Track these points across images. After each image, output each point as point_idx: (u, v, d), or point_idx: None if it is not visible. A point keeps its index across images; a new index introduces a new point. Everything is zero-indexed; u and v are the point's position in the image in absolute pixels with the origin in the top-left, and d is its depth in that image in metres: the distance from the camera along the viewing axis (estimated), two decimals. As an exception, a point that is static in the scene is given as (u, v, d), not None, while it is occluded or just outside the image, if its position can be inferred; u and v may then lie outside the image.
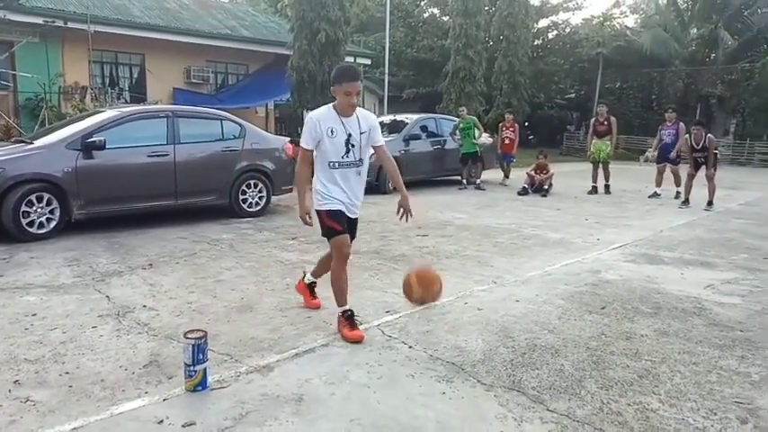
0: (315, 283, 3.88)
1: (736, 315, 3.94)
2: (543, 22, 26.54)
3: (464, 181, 11.43)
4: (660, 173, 10.34)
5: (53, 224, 5.99)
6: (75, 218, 6.14)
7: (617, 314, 3.89)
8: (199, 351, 2.65)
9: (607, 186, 10.73)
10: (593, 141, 10.67)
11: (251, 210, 7.56)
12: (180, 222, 6.96)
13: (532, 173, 10.96)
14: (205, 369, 2.69)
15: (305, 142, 3.30)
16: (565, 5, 26.06)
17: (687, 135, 9.27)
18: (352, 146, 3.31)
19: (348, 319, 3.38)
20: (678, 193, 9.86)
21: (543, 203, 9.50)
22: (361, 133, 3.33)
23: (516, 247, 5.99)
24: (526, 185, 10.78)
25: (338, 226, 3.32)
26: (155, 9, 15.39)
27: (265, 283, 4.48)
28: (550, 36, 27.41)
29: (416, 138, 11.08)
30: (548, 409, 2.57)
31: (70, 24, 12.76)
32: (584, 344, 3.35)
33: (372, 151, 3.49)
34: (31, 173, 5.85)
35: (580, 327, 3.64)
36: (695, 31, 23.55)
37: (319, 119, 3.28)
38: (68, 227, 6.15)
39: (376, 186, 9.69)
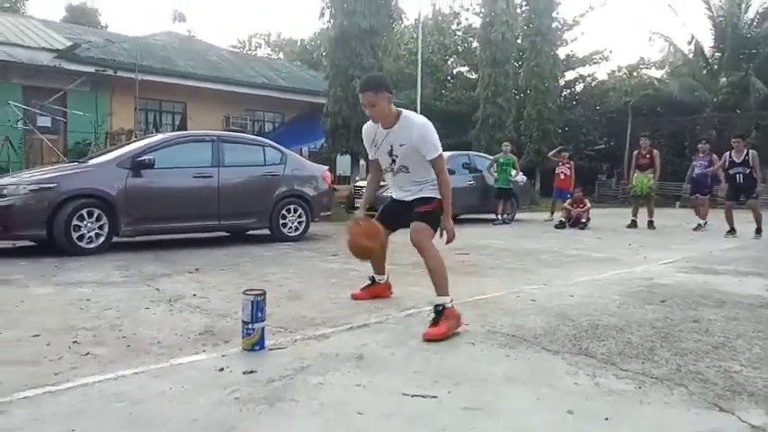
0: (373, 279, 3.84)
1: (806, 308, 3.73)
2: (570, 75, 26.97)
3: (499, 216, 11.36)
4: (696, 205, 10.12)
5: (102, 240, 6.10)
6: (122, 233, 6.27)
7: (678, 306, 3.72)
8: (257, 309, 2.62)
9: (650, 222, 10.24)
10: (635, 175, 10.46)
11: (290, 234, 7.60)
12: (222, 245, 7.04)
13: (569, 206, 10.85)
14: (263, 328, 2.64)
15: (368, 152, 3.46)
16: (591, 58, 26.50)
17: (727, 153, 8.99)
18: (396, 157, 3.21)
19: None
20: (699, 225, 9.66)
21: (583, 234, 9.34)
22: (400, 145, 3.15)
23: (561, 263, 5.85)
24: (563, 219, 10.65)
25: (380, 212, 3.51)
26: (197, 60, 16.20)
27: (311, 282, 4.45)
28: (577, 88, 27.77)
29: (450, 173, 11.12)
30: (621, 369, 2.44)
31: (119, 73, 13.48)
32: (650, 324, 3.20)
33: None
34: (82, 188, 6.04)
35: (641, 313, 3.49)
36: (725, 79, 23.56)
37: (366, 129, 3.38)
38: (115, 246, 6.27)
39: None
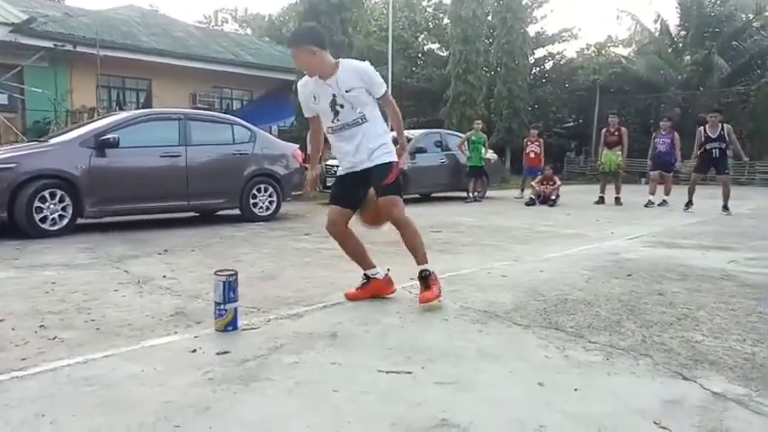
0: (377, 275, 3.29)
1: (766, 280, 3.88)
2: (540, 53, 27.09)
3: (470, 194, 11.44)
4: (653, 180, 10.26)
5: (65, 221, 5.94)
6: (87, 215, 6.11)
7: (644, 279, 3.83)
8: (230, 289, 2.59)
9: (617, 198, 10.50)
10: (604, 152, 10.63)
11: (261, 214, 7.52)
12: (191, 225, 6.94)
13: (536, 185, 10.99)
14: (236, 309, 2.62)
15: (304, 111, 3.21)
16: (560, 36, 26.64)
17: (701, 128, 9.14)
18: (341, 107, 2.97)
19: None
20: (665, 201, 9.87)
21: (552, 211, 9.49)
22: (347, 91, 2.93)
23: (531, 239, 5.94)
24: (533, 196, 10.79)
25: (331, 197, 3.22)
26: (161, 36, 15.73)
27: (284, 262, 4.42)
28: (547, 66, 27.94)
29: (422, 151, 11.14)
30: (589, 341, 2.50)
31: (79, 48, 13.00)
32: (616, 297, 3.29)
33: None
34: (44, 168, 5.85)
35: (609, 287, 3.58)
36: (689, 57, 24.00)
37: (301, 85, 3.11)
38: (80, 228, 6.12)
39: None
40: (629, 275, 3.94)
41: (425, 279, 3.05)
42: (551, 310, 3.00)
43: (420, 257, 3.10)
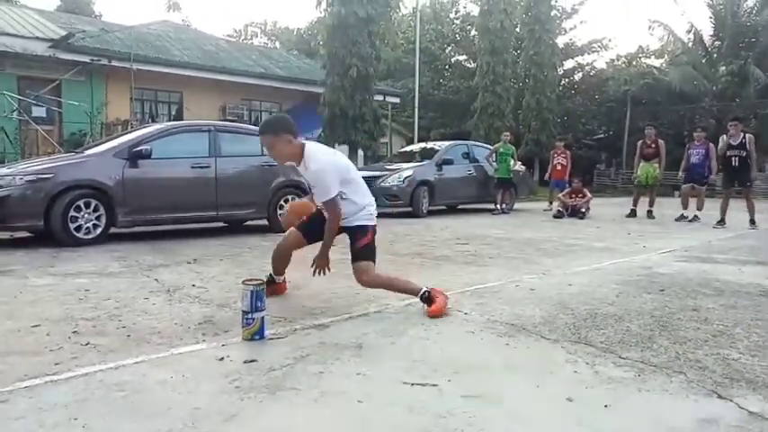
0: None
1: (804, 297, 3.74)
2: (569, 64, 26.88)
3: (498, 206, 11.36)
4: (685, 194, 10.00)
5: (99, 230, 6.08)
6: (119, 224, 6.25)
7: (677, 295, 3.73)
8: (257, 298, 2.61)
9: (650, 212, 10.26)
10: (641, 164, 10.43)
11: (288, 224, 7.57)
12: (219, 235, 7.04)
13: (564, 198, 10.85)
14: (263, 318, 2.64)
15: None
16: (590, 47, 26.40)
17: (722, 137, 8.93)
18: (313, 188, 3.23)
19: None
20: (696, 216, 9.58)
21: (582, 223, 9.35)
22: (311, 186, 3.25)
23: (560, 252, 5.86)
24: (561, 209, 10.66)
25: (300, 223, 3.42)
26: (193, 50, 16.08)
27: (310, 272, 4.41)
28: (576, 78, 27.69)
29: (449, 163, 11.11)
30: (620, 357, 2.45)
31: (114, 63, 13.37)
32: (648, 313, 3.21)
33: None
34: (79, 179, 6.01)
35: (640, 302, 3.50)
36: (724, 68, 23.51)
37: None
38: (112, 237, 6.26)
39: (410, 210, 9.93)
40: (661, 290, 3.85)
41: (427, 299, 3.15)
42: (581, 325, 2.94)
43: (412, 293, 3.23)
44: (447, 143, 12.17)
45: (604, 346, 2.60)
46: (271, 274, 3.55)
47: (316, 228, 3.27)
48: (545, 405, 1.95)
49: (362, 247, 3.17)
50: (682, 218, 9.67)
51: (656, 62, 28.80)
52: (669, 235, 7.55)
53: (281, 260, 3.49)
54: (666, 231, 8.08)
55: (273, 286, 3.52)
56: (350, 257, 3.23)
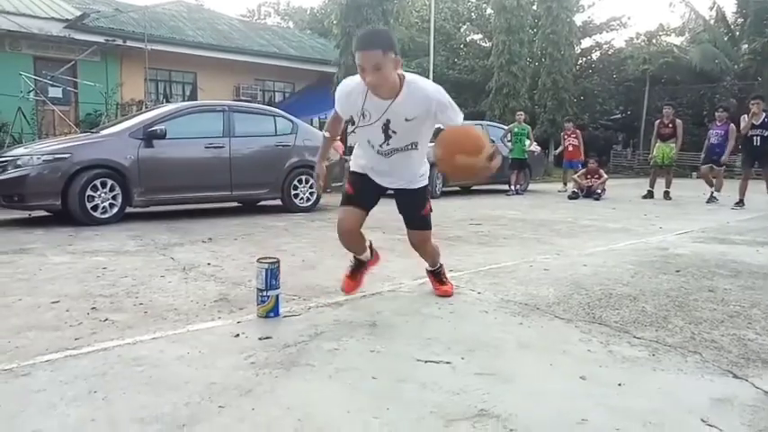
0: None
1: (824, 278, 3.69)
2: (587, 42, 26.39)
3: (512, 187, 11.29)
4: (703, 175, 9.83)
5: (115, 210, 6.16)
6: (135, 204, 6.32)
7: (693, 275, 3.69)
8: (272, 276, 2.63)
9: (667, 193, 10.11)
10: (657, 144, 10.25)
11: (302, 205, 7.61)
12: (234, 215, 7.10)
13: (579, 178, 10.74)
14: (278, 296, 2.67)
15: (336, 105, 2.69)
16: (609, 25, 25.87)
17: (744, 116, 8.74)
18: (394, 133, 2.56)
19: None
20: (713, 197, 9.41)
21: (597, 204, 9.26)
22: (407, 120, 2.51)
23: (575, 232, 5.82)
24: (576, 190, 10.56)
25: (350, 189, 2.82)
26: (207, 30, 16.05)
27: (324, 252, 4.46)
28: (594, 57, 27.21)
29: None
30: (635, 337, 2.43)
31: (129, 43, 13.40)
32: (664, 293, 3.19)
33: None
34: (96, 159, 6.08)
35: (656, 282, 3.47)
36: (747, 46, 22.90)
37: (345, 91, 2.59)
38: (128, 216, 6.33)
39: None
40: (677, 271, 3.81)
41: (438, 275, 3.10)
42: (595, 305, 2.93)
43: (434, 262, 3.10)
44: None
45: (619, 325, 2.58)
46: (356, 259, 3.03)
47: (371, 195, 2.82)
48: (559, 383, 1.95)
49: (428, 213, 2.85)
50: (712, 199, 9.47)
51: (677, 40, 28.14)
52: (686, 216, 7.46)
53: (355, 242, 2.92)
54: (684, 212, 7.98)
55: (364, 266, 3.05)
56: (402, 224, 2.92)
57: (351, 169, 2.88)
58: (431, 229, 2.91)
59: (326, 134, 2.89)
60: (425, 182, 2.83)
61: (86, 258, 4.08)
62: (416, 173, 2.77)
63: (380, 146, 2.63)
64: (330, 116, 2.88)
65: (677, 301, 3.01)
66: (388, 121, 2.52)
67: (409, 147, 2.63)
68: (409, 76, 2.51)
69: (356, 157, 2.85)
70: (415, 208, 2.83)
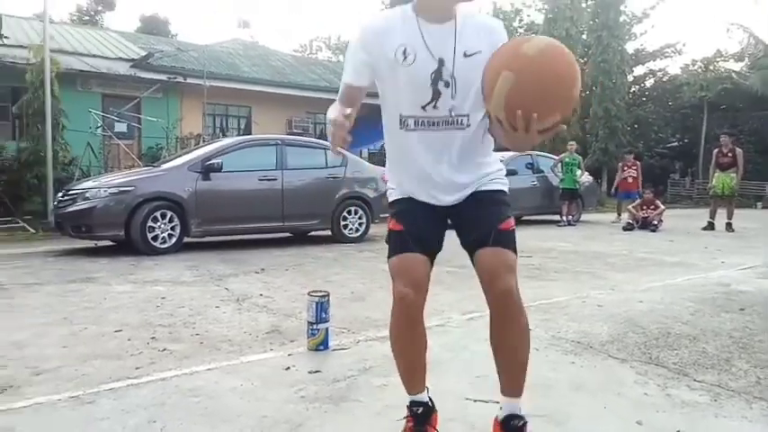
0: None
1: None
2: (639, 70, 25.90)
3: (564, 218, 11.07)
4: None
5: (174, 240, 6.43)
6: (192, 234, 6.57)
7: (759, 314, 3.52)
8: (322, 310, 2.69)
9: (729, 224, 9.66)
10: (716, 174, 9.90)
11: (351, 235, 7.72)
12: (285, 246, 7.26)
13: (634, 209, 10.43)
14: (327, 329, 2.71)
15: (345, 73, 1.76)
16: (662, 52, 25.35)
17: None
18: (446, 85, 1.62)
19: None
20: None
21: (654, 236, 8.95)
22: (467, 55, 1.63)
23: (630, 266, 5.64)
24: (631, 221, 10.25)
25: (397, 224, 1.78)
26: (261, 66, 16.72)
27: (373, 283, 4.50)
28: (647, 84, 26.65)
29: (513, 173, 10.93)
30: (695, 380, 2.34)
31: (189, 80, 14.10)
32: (727, 334, 3.04)
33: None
34: (157, 191, 6.38)
35: (718, 321, 3.32)
36: (811, 71, 21.95)
37: (380, 31, 1.66)
38: (185, 246, 6.58)
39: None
40: (741, 309, 3.64)
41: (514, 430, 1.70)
42: (652, 344, 2.83)
43: (517, 383, 1.82)
44: (510, 153, 11.99)
45: (677, 367, 2.49)
46: (414, 404, 1.84)
47: (428, 229, 1.77)
48: (613, 427, 1.89)
49: (511, 229, 1.71)
50: None
51: (736, 66, 27.25)
52: (750, 249, 7.11)
53: (417, 321, 1.94)
54: (747, 245, 7.61)
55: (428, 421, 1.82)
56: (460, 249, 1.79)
57: (390, 200, 1.88)
58: (516, 252, 1.68)
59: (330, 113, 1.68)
60: (504, 182, 1.79)
61: (147, 288, 4.26)
62: (486, 162, 1.76)
63: (423, 109, 1.65)
64: (340, 92, 1.80)
65: (741, 342, 2.87)
66: (441, 61, 1.62)
67: (461, 121, 1.66)
68: (462, 2, 1.66)
69: (393, 176, 1.87)
70: (492, 217, 1.70)
